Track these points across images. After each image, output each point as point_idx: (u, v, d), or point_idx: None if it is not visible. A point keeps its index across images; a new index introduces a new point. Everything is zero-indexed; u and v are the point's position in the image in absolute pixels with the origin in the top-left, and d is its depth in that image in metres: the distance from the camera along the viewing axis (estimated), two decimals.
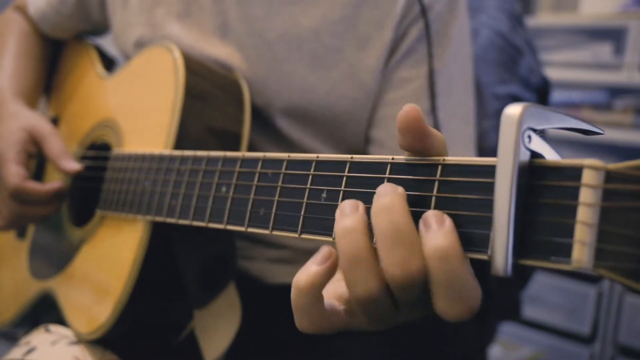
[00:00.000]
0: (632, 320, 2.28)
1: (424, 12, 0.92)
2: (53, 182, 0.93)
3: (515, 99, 1.49)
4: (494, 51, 1.52)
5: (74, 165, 0.92)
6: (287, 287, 1.00)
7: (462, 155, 0.95)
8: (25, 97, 1.09)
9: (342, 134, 0.97)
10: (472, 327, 1.14)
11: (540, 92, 1.59)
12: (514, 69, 1.53)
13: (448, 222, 0.46)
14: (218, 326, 0.90)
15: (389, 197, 0.48)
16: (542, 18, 2.80)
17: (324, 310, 0.52)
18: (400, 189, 0.49)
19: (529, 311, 2.45)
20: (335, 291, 0.56)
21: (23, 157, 0.95)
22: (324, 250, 0.51)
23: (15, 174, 0.91)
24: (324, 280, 0.51)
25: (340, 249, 0.49)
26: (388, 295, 0.49)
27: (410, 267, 0.46)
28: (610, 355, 2.33)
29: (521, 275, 1.53)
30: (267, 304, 1.00)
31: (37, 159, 0.99)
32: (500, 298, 1.48)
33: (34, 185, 0.92)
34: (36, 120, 0.98)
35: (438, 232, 0.46)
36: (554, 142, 0.45)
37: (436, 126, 0.93)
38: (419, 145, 0.50)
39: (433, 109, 0.93)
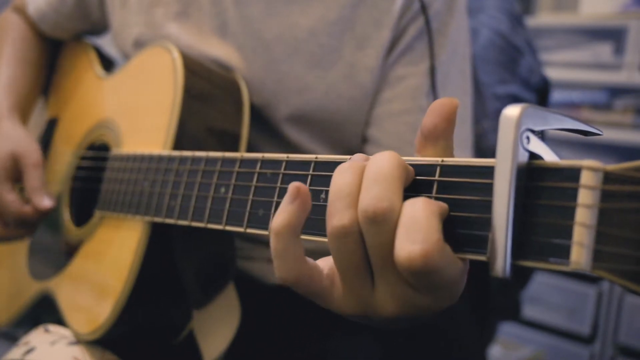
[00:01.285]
0: (632, 320, 2.28)
1: (424, 9, 0.92)
2: (45, 201, 0.95)
3: (515, 99, 1.49)
4: (494, 51, 1.52)
5: (46, 203, 0.94)
6: (286, 288, 1.01)
7: (458, 155, 0.95)
8: (20, 107, 1.10)
9: (339, 134, 0.97)
10: (473, 328, 1.14)
11: (540, 92, 1.59)
12: (514, 69, 1.53)
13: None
14: (217, 327, 0.90)
15: (383, 153, 0.49)
16: (542, 18, 2.80)
17: (301, 257, 0.52)
18: (399, 155, 0.49)
19: (529, 311, 2.45)
20: (324, 260, 0.55)
21: (10, 184, 0.98)
22: (291, 187, 0.51)
23: (13, 201, 0.96)
24: (297, 220, 0.51)
25: (331, 184, 0.50)
26: (361, 244, 0.49)
27: (380, 203, 0.46)
28: (610, 355, 2.33)
29: (521, 275, 1.53)
30: (266, 304, 1.00)
31: (44, 146, 1.01)
32: (500, 298, 1.48)
33: (30, 209, 0.95)
34: (25, 147, 0.99)
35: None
36: (553, 142, 0.45)
37: None
38: (442, 132, 0.51)
39: None
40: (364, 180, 0.48)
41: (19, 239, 1.01)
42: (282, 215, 0.51)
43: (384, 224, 0.46)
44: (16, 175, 0.98)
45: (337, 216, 0.49)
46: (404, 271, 0.45)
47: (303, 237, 0.57)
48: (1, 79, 1.12)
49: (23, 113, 1.10)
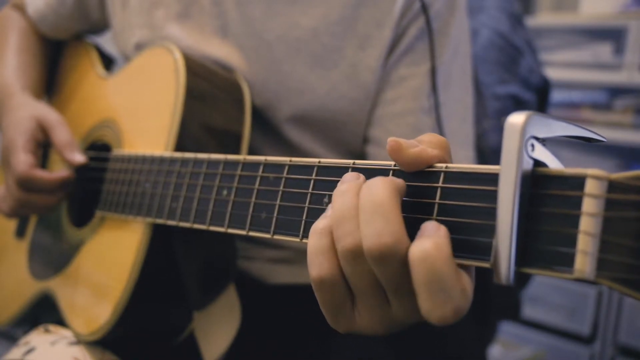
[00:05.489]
0: (632, 320, 2.28)
1: (424, 8, 0.92)
2: (60, 171, 0.92)
3: (515, 99, 1.49)
4: (494, 51, 1.52)
5: (79, 158, 0.92)
6: (287, 288, 1.01)
7: (460, 154, 0.95)
8: (32, 91, 1.09)
9: (341, 134, 0.97)
10: (472, 327, 1.14)
11: (540, 92, 1.59)
12: (514, 69, 1.53)
13: (443, 230, 0.46)
14: (218, 328, 0.90)
15: (376, 180, 0.49)
16: (542, 18, 2.80)
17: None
18: (393, 180, 0.49)
19: (529, 311, 2.45)
20: None
21: (32, 145, 0.94)
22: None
23: (24, 161, 0.91)
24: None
25: (333, 207, 0.50)
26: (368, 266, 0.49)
27: (383, 239, 0.45)
28: (610, 355, 2.33)
29: (521, 275, 1.53)
30: (267, 304, 1.00)
31: (43, 148, 0.99)
32: (500, 298, 1.48)
33: (41, 174, 0.91)
34: (45, 110, 0.98)
35: (428, 237, 0.45)
36: (553, 141, 0.45)
37: (438, 124, 0.93)
38: (414, 167, 0.51)
39: (435, 107, 0.93)
40: (361, 213, 0.47)
41: (40, 208, 0.96)
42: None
43: (393, 259, 0.46)
44: (41, 136, 0.96)
45: (348, 239, 0.48)
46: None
47: (305, 241, 0.57)
48: (10, 65, 1.12)
49: (36, 97, 1.09)
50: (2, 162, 0.98)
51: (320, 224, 0.51)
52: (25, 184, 0.91)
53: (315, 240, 0.51)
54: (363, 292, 0.50)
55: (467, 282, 0.46)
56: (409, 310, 0.50)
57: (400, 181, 0.50)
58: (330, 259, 0.50)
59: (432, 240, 0.45)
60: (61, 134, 0.94)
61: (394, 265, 0.46)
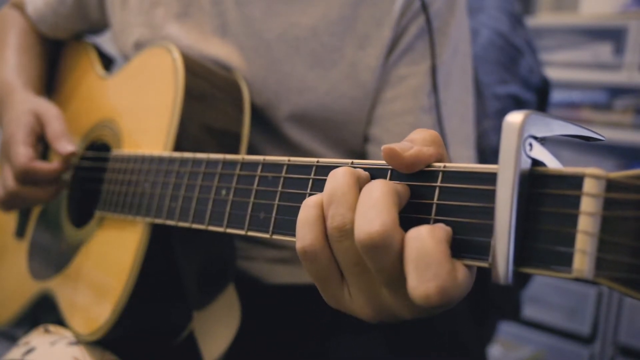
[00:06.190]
0: (632, 320, 2.28)
1: (424, 7, 0.92)
2: (58, 161, 0.93)
3: (515, 99, 1.49)
4: (494, 51, 1.52)
5: (69, 148, 0.92)
6: (287, 288, 1.01)
7: (461, 153, 0.95)
8: (33, 88, 1.09)
9: (341, 133, 0.97)
10: (472, 327, 1.14)
11: (540, 92, 1.59)
12: (514, 69, 1.53)
13: (441, 224, 0.48)
14: (217, 327, 0.90)
15: (377, 181, 0.50)
16: (542, 18, 2.80)
17: None
18: (394, 184, 0.50)
19: (529, 311, 2.45)
20: None
21: (32, 138, 0.95)
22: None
23: (24, 154, 0.92)
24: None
25: (326, 185, 0.51)
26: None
27: (373, 228, 0.46)
28: (610, 355, 2.33)
29: (521, 275, 1.53)
30: (267, 304, 1.00)
31: (43, 144, 0.99)
32: (500, 298, 1.48)
33: (40, 165, 0.92)
34: (44, 105, 0.99)
35: (425, 225, 0.47)
36: (553, 142, 0.45)
37: (438, 123, 0.93)
38: (413, 169, 0.51)
39: (436, 106, 0.93)
40: (358, 208, 0.49)
41: (33, 202, 0.98)
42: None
43: (383, 249, 0.47)
44: (40, 130, 0.97)
45: (337, 218, 0.50)
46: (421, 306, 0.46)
47: None
48: (10, 63, 1.12)
49: (37, 94, 1.09)
50: (1, 156, 0.98)
51: (311, 199, 0.52)
52: (25, 177, 0.92)
53: (304, 213, 0.52)
54: (350, 271, 0.51)
55: (461, 270, 0.46)
56: (401, 299, 0.50)
57: (401, 187, 0.50)
58: (313, 231, 0.51)
59: (428, 226, 0.46)
60: (54, 127, 0.94)
61: (386, 256, 0.47)
